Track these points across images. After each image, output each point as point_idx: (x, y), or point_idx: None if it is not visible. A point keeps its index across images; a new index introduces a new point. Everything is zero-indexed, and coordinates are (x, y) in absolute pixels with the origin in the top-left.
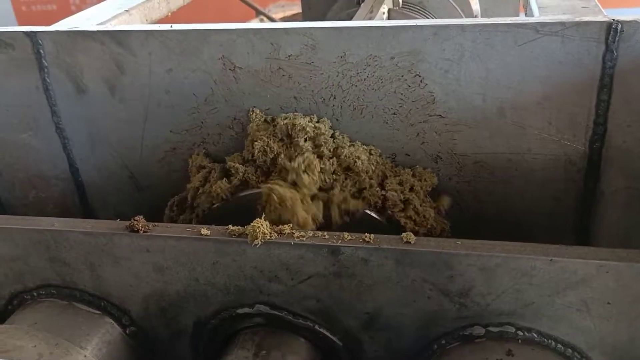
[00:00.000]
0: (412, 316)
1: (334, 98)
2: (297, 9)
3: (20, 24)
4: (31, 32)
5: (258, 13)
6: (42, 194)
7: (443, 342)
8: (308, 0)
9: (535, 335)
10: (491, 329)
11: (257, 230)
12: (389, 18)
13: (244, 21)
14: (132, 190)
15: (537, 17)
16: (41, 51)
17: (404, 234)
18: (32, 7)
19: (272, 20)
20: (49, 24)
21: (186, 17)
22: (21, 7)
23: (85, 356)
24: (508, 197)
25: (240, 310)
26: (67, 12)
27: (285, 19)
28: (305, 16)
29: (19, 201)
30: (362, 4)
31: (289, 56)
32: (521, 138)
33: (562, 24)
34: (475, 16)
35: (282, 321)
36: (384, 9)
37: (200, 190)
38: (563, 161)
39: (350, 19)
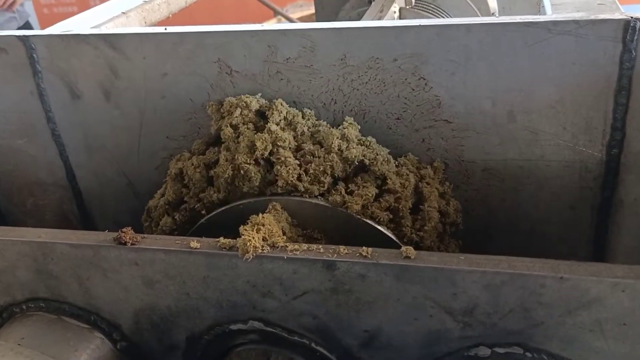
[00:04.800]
0: (413, 335)
1: (335, 102)
2: None
3: (42, 26)
4: (24, 36)
5: (276, 13)
6: (40, 201)
7: None
8: (321, 0)
9: (545, 356)
10: (497, 349)
11: (248, 244)
12: (400, 17)
13: (262, 21)
14: (130, 198)
15: (549, 15)
16: (35, 55)
17: (403, 248)
18: (53, 10)
19: (290, 20)
20: None
21: (204, 17)
22: (43, 10)
23: None
24: (520, 206)
25: (233, 327)
26: None
27: (303, 19)
28: (318, 15)
29: (17, 208)
30: (372, 3)
31: (287, 59)
32: (533, 144)
33: (576, 22)
34: (493, 14)
35: (277, 338)
36: (395, 7)
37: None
38: (578, 168)
39: (360, 18)
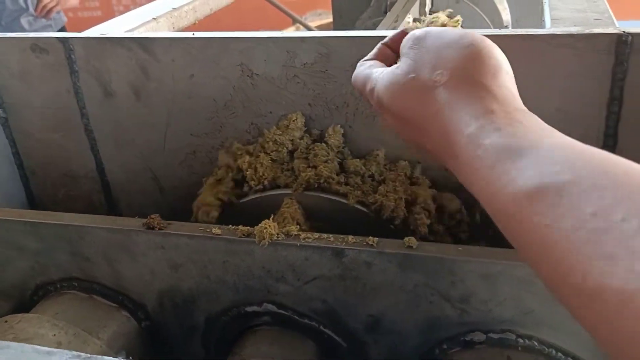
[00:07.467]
0: (415, 320)
1: (347, 105)
2: None
3: (68, 30)
4: (64, 38)
5: (295, 21)
6: (72, 192)
7: (445, 347)
8: (339, 9)
9: (535, 343)
10: (492, 335)
11: (265, 231)
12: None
13: (281, 29)
14: (154, 191)
15: (548, 28)
16: (72, 56)
17: (406, 238)
18: (78, 14)
19: (308, 27)
20: None
21: (228, 23)
22: (68, 14)
23: (100, 346)
24: None
25: (249, 309)
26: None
27: (322, 27)
28: (335, 24)
29: (50, 199)
30: (388, 13)
31: (304, 64)
32: None
33: (571, 36)
34: (506, 26)
35: (289, 321)
36: (409, 18)
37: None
38: None
39: (375, 27)
